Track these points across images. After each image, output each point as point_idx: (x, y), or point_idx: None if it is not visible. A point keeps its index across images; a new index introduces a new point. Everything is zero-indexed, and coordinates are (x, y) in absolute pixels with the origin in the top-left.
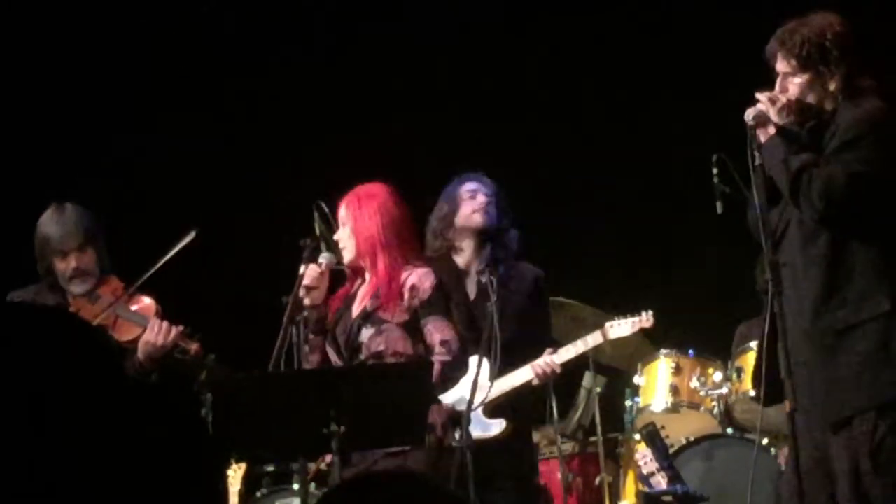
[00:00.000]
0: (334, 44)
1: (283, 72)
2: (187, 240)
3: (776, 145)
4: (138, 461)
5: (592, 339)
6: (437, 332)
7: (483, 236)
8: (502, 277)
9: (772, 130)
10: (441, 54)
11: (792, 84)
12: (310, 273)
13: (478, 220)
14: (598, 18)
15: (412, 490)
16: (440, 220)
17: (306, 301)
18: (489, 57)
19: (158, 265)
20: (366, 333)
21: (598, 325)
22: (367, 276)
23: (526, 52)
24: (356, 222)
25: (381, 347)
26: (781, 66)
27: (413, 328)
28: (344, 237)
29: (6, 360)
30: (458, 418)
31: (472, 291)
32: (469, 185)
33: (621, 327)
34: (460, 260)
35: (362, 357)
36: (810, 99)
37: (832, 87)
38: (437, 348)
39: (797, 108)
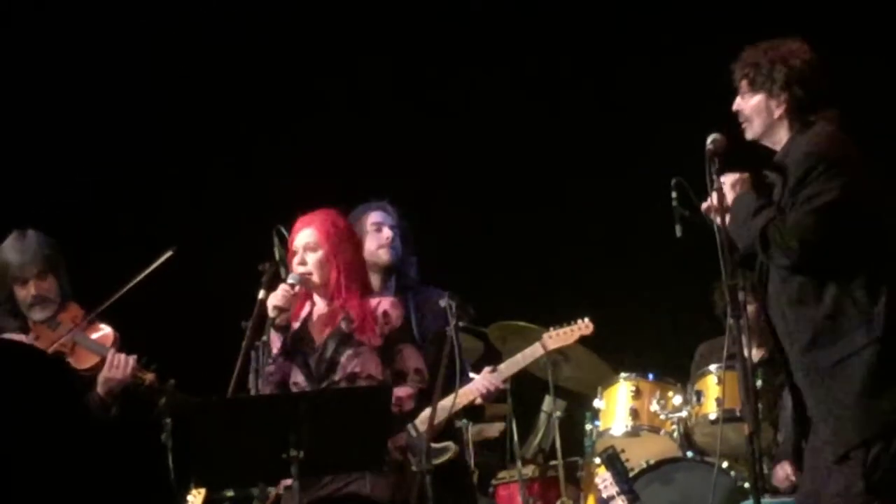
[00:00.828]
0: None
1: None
2: (163, 258)
3: (737, 213)
4: (98, 493)
5: (531, 352)
6: (411, 359)
7: (388, 271)
8: (413, 306)
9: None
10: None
11: (743, 104)
12: (281, 294)
13: (384, 256)
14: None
15: None
16: None
17: (278, 321)
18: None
19: (125, 289)
20: (344, 353)
21: None
22: (319, 298)
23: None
24: (333, 247)
25: (357, 369)
26: (739, 85)
27: (384, 354)
28: (313, 261)
29: None
30: (410, 443)
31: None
32: (374, 217)
33: (560, 336)
34: (373, 286)
35: (336, 377)
36: (758, 120)
37: (777, 113)
38: (412, 375)
39: (751, 183)
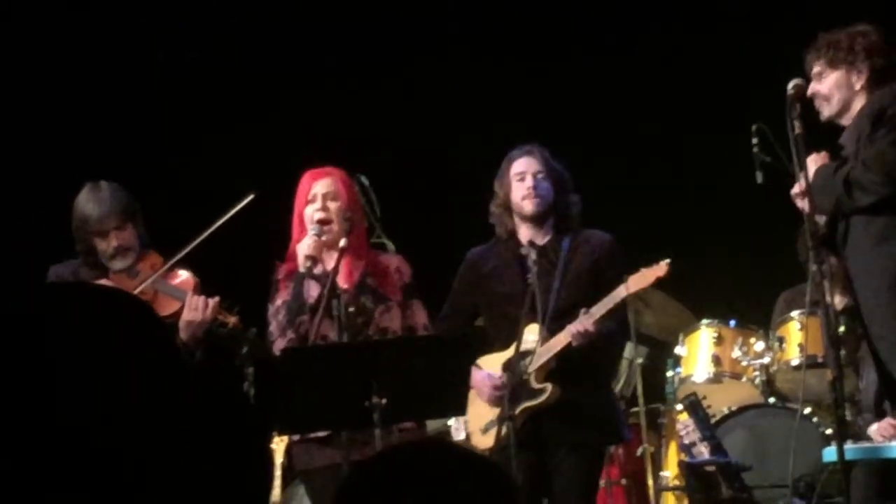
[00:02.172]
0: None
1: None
2: (244, 203)
3: (818, 179)
4: (189, 440)
5: (618, 294)
6: (419, 314)
7: (538, 219)
8: (568, 247)
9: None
10: None
11: (819, 86)
12: (311, 243)
13: (528, 207)
14: None
15: (443, 458)
16: (498, 207)
17: (312, 270)
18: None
19: (205, 234)
20: (376, 309)
21: None
22: (330, 254)
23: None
24: (351, 201)
25: (388, 324)
26: (814, 68)
27: (403, 309)
28: (335, 209)
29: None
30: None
31: (532, 265)
32: (516, 167)
33: (641, 278)
34: (524, 236)
35: (370, 331)
36: (838, 96)
37: (858, 85)
38: (421, 331)
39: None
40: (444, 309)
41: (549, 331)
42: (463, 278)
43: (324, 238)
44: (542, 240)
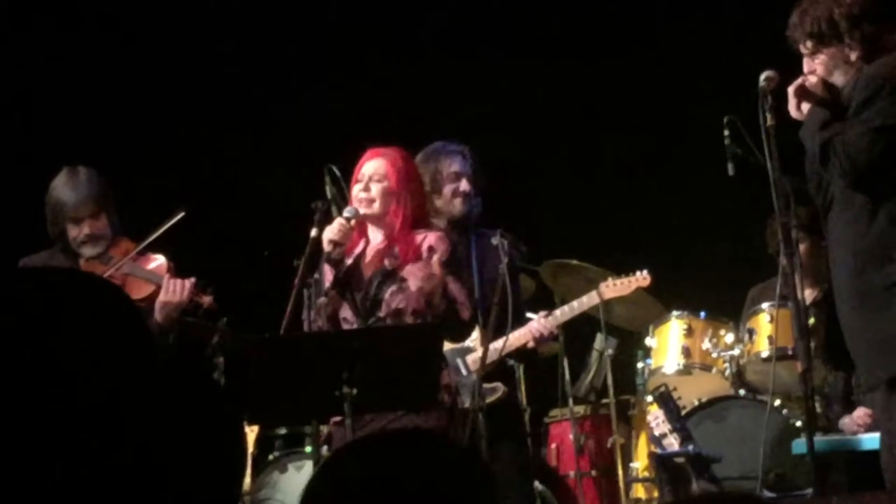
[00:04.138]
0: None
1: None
2: (175, 220)
3: (807, 123)
4: (162, 424)
5: (588, 300)
6: (455, 292)
7: (458, 221)
8: (475, 246)
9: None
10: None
11: (816, 65)
12: (337, 227)
13: (458, 207)
14: None
15: (427, 447)
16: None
17: (333, 255)
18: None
19: (173, 220)
20: (387, 290)
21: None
22: (374, 234)
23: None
24: (398, 181)
25: (402, 305)
26: (803, 48)
27: (430, 289)
28: (377, 190)
29: (31, 328)
30: (461, 382)
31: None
32: (454, 166)
33: (617, 287)
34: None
35: (381, 314)
36: (837, 74)
37: (853, 57)
38: (456, 306)
39: (824, 87)
40: None
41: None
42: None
43: (353, 222)
44: (451, 237)
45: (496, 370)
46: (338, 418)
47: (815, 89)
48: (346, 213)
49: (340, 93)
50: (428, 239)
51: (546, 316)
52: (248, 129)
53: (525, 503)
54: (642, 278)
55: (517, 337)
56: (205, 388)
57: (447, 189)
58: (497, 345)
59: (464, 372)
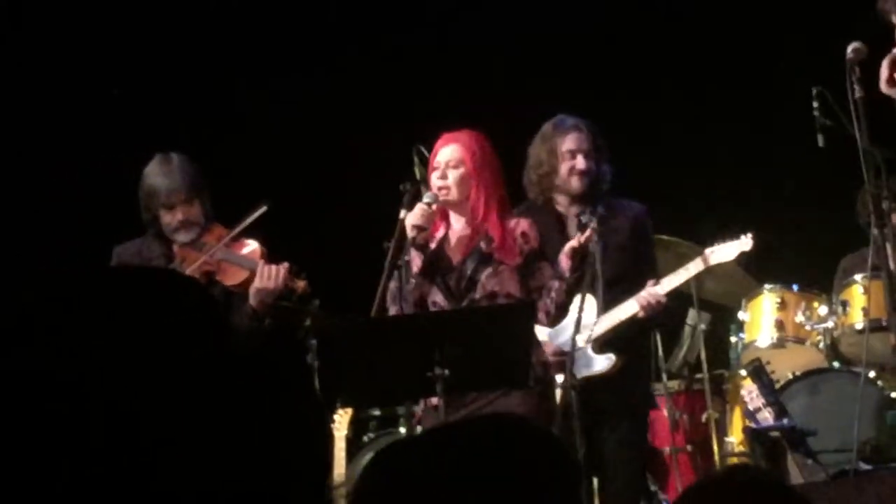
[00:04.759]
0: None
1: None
2: (259, 212)
3: None
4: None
5: (694, 267)
6: (548, 275)
7: (580, 197)
8: (601, 216)
9: None
10: None
11: None
12: (419, 212)
13: (576, 185)
14: None
15: (509, 434)
16: (539, 175)
17: (417, 240)
18: None
19: (250, 219)
20: (483, 272)
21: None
22: (456, 219)
23: None
24: (475, 166)
25: (497, 288)
26: (894, 20)
27: (523, 273)
28: (455, 177)
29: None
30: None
31: (573, 234)
32: (568, 143)
33: (722, 252)
34: (560, 205)
35: (476, 296)
36: None
37: None
38: (550, 285)
39: None
40: None
41: (601, 300)
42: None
43: (434, 207)
44: (577, 210)
45: (615, 340)
46: (434, 400)
47: None
48: (426, 199)
49: (424, 71)
50: (521, 225)
51: (654, 285)
52: (332, 108)
53: (631, 488)
54: (745, 242)
55: (624, 309)
56: (285, 383)
57: (563, 167)
58: (610, 315)
59: (580, 344)
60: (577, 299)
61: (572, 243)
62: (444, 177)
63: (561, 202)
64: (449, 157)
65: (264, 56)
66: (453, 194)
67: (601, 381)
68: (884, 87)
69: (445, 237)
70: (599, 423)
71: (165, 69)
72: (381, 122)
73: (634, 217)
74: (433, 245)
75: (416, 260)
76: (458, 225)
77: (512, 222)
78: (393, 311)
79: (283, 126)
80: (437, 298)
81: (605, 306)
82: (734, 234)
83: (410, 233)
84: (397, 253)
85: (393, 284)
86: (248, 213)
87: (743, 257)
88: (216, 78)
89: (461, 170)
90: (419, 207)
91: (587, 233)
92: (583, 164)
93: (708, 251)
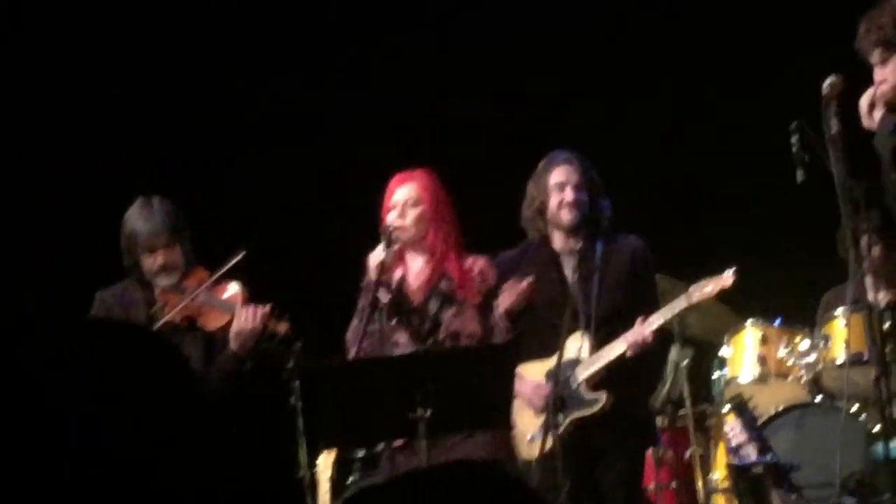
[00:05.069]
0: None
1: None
2: (234, 260)
3: (880, 131)
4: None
5: (678, 304)
6: (497, 319)
7: (573, 230)
8: (601, 252)
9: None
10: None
11: (887, 73)
12: (382, 252)
13: (566, 217)
14: None
15: (479, 481)
16: (532, 212)
17: (382, 279)
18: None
19: (229, 265)
20: (446, 312)
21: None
22: (414, 259)
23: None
24: (432, 204)
25: (459, 328)
26: (872, 58)
27: (483, 312)
28: (413, 216)
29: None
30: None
31: (569, 271)
32: (556, 176)
33: (704, 288)
34: (556, 242)
35: (440, 336)
36: None
37: None
38: (505, 332)
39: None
40: None
41: (595, 339)
42: (497, 284)
43: (396, 246)
44: (575, 246)
45: (608, 378)
46: (398, 443)
47: (886, 98)
48: (384, 238)
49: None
50: (478, 263)
51: (643, 322)
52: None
53: None
54: (727, 278)
55: (612, 348)
56: (252, 436)
57: (553, 201)
58: (600, 355)
59: (573, 385)
60: (569, 339)
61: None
62: (402, 216)
63: (557, 239)
64: (406, 196)
65: (243, 99)
66: (411, 233)
67: (595, 419)
68: (865, 121)
69: (404, 277)
70: (596, 460)
71: (146, 113)
72: (358, 166)
73: (632, 252)
74: (393, 285)
75: (384, 297)
76: (415, 264)
77: (469, 260)
78: (353, 351)
79: (263, 169)
80: (401, 339)
81: (601, 344)
82: (716, 270)
83: (374, 272)
84: (374, 293)
85: (354, 324)
86: (228, 258)
87: (724, 293)
88: (195, 121)
89: (419, 208)
90: (381, 247)
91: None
92: (571, 195)
93: (691, 288)
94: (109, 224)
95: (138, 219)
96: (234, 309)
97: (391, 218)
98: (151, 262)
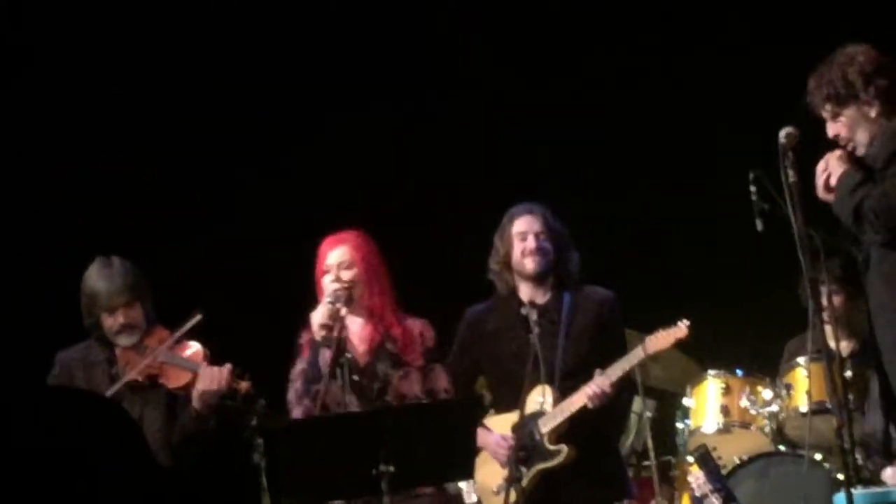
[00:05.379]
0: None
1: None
2: (192, 322)
3: (839, 195)
4: None
5: (634, 356)
6: (441, 379)
7: (539, 278)
8: (569, 304)
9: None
10: None
11: (839, 127)
12: (326, 311)
13: (529, 266)
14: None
15: None
16: (497, 264)
17: (325, 338)
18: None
19: (186, 328)
20: (395, 375)
21: None
22: (352, 320)
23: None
24: (366, 265)
25: (406, 390)
26: (824, 114)
27: (425, 374)
28: (348, 278)
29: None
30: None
31: (535, 329)
32: (518, 226)
33: (659, 340)
34: (524, 294)
35: (388, 398)
36: (860, 133)
37: (873, 114)
38: (442, 393)
39: (848, 159)
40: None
41: (559, 391)
42: (464, 338)
43: (338, 305)
44: (542, 298)
45: (572, 431)
46: None
47: (840, 163)
48: (328, 298)
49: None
50: (417, 325)
51: (600, 374)
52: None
53: None
54: (681, 329)
55: (573, 401)
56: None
57: (516, 251)
58: (561, 407)
59: (536, 438)
60: (533, 392)
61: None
62: (337, 280)
63: (524, 291)
64: (339, 259)
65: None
66: (349, 295)
67: (562, 473)
68: (821, 193)
69: (348, 339)
70: None
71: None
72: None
73: (600, 304)
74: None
75: (328, 357)
76: (355, 326)
77: (409, 322)
78: (296, 412)
79: (220, 229)
80: (350, 400)
81: (566, 396)
82: (673, 321)
83: (318, 332)
84: (339, 349)
85: (298, 384)
86: (185, 321)
87: (681, 342)
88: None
89: (353, 270)
90: (324, 306)
91: None
92: (534, 243)
93: (647, 339)
94: (66, 285)
95: (98, 279)
96: (196, 367)
97: (327, 281)
98: (112, 321)
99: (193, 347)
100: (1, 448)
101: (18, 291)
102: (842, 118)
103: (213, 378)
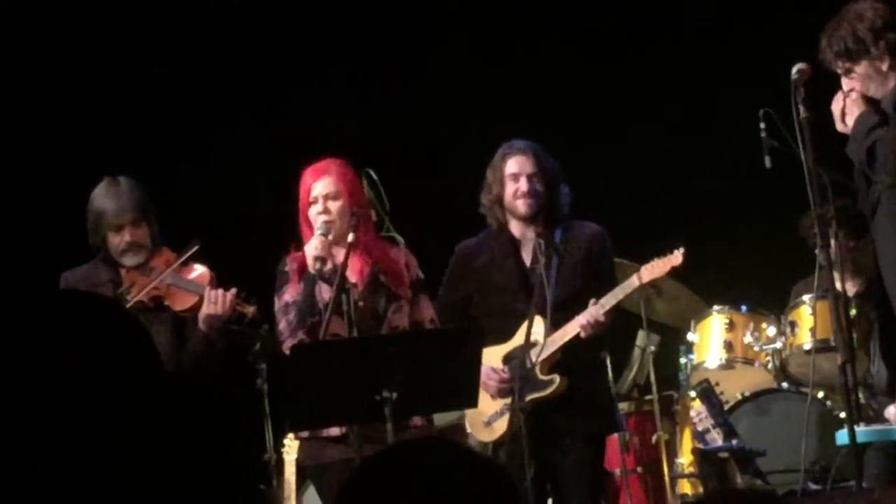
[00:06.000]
0: None
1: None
2: (191, 251)
3: (854, 134)
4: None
5: (630, 284)
6: (427, 309)
7: (530, 218)
8: (560, 239)
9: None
10: None
11: (853, 82)
12: (319, 243)
13: (521, 209)
14: None
15: (442, 457)
16: (490, 200)
17: (323, 271)
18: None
19: (185, 257)
20: (390, 308)
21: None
22: (340, 251)
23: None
24: (352, 196)
25: (399, 323)
26: (838, 69)
27: (412, 305)
28: (336, 209)
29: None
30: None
31: (527, 257)
32: (511, 166)
33: (654, 268)
34: (515, 229)
35: (383, 331)
36: (874, 87)
37: (885, 67)
38: (427, 324)
39: (864, 101)
40: (436, 302)
41: (551, 322)
42: (455, 271)
43: (330, 237)
44: (533, 233)
45: (564, 362)
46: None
47: (857, 104)
48: (320, 230)
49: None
50: (401, 254)
51: (594, 304)
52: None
53: None
54: (675, 257)
55: (566, 330)
56: (213, 412)
57: (508, 191)
58: (553, 338)
59: (528, 364)
60: (525, 323)
61: None
62: (326, 211)
63: (515, 226)
64: (326, 190)
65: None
66: (338, 226)
67: (553, 403)
68: (839, 126)
69: (343, 267)
70: (553, 445)
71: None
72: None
73: (590, 238)
74: (328, 271)
75: (324, 291)
76: (340, 257)
77: (392, 251)
78: (289, 343)
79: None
80: (340, 331)
81: (556, 327)
82: (668, 251)
83: (312, 264)
84: (344, 275)
85: (291, 316)
86: (184, 249)
87: (676, 271)
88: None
89: (340, 201)
90: (317, 238)
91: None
92: (525, 186)
93: (642, 268)
94: (73, 207)
95: (105, 197)
96: (202, 290)
97: (315, 212)
98: (118, 240)
99: (199, 270)
100: (3, 352)
101: (23, 214)
102: (854, 74)
103: (217, 301)
